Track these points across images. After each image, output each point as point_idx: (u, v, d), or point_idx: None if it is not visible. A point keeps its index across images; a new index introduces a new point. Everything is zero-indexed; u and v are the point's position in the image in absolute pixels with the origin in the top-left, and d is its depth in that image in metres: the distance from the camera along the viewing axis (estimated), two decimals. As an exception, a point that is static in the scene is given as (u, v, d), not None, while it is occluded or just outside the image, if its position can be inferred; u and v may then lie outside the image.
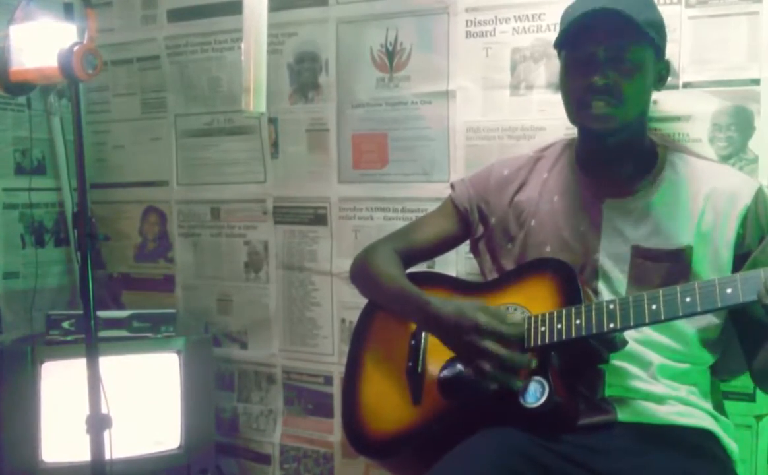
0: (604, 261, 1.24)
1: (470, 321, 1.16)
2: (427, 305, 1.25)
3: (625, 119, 1.18)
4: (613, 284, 1.23)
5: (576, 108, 1.22)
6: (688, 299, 1.04)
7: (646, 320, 1.08)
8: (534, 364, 1.13)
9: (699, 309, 1.04)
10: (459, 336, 1.18)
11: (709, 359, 1.26)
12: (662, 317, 1.06)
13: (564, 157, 1.36)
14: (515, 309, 1.24)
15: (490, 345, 1.14)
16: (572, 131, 1.43)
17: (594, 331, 1.11)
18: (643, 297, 1.08)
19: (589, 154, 1.30)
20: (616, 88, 1.17)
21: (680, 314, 1.05)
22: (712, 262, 1.20)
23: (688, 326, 1.21)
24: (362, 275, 1.45)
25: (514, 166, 1.40)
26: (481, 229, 1.41)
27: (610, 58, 1.17)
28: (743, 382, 1.40)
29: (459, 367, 1.24)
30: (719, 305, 1.03)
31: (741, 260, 1.19)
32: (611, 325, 1.10)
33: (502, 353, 1.13)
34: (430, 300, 1.26)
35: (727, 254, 1.20)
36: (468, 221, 1.42)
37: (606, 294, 1.23)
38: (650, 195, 1.24)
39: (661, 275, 1.19)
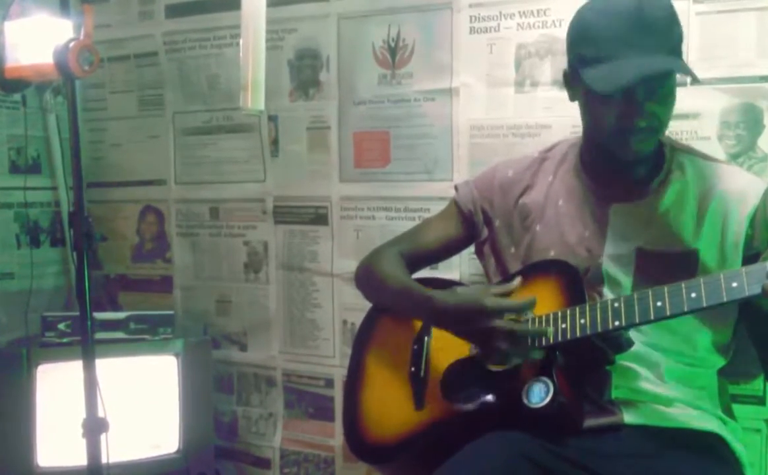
0: (609, 265, 1.23)
1: (477, 306, 1.17)
2: (431, 299, 1.26)
3: (657, 140, 1.20)
4: (618, 289, 1.22)
5: (613, 143, 1.19)
6: (693, 295, 1.04)
7: (652, 317, 1.07)
8: (550, 332, 1.13)
9: (704, 304, 1.03)
10: (469, 323, 1.18)
11: (719, 362, 1.24)
12: (667, 313, 1.05)
13: (569, 159, 1.34)
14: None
15: (502, 323, 1.15)
16: (578, 130, 1.41)
17: (599, 329, 1.10)
18: (648, 294, 1.07)
19: (596, 159, 1.28)
20: (656, 120, 1.16)
21: (686, 309, 1.04)
22: (720, 265, 1.19)
23: (699, 330, 1.19)
24: (367, 278, 1.44)
25: (519, 168, 1.38)
26: (485, 232, 1.40)
27: (648, 93, 1.14)
28: (752, 384, 1.39)
29: (462, 370, 1.23)
30: (725, 299, 1.02)
31: (750, 261, 1.16)
32: (616, 323, 1.09)
33: (515, 327, 1.14)
34: (433, 294, 1.26)
35: (735, 257, 1.19)
36: (472, 223, 1.41)
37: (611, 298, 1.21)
38: (658, 198, 1.23)
39: (668, 278, 1.16)
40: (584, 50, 1.17)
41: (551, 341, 1.14)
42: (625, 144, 1.17)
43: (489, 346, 1.17)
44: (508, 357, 1.16)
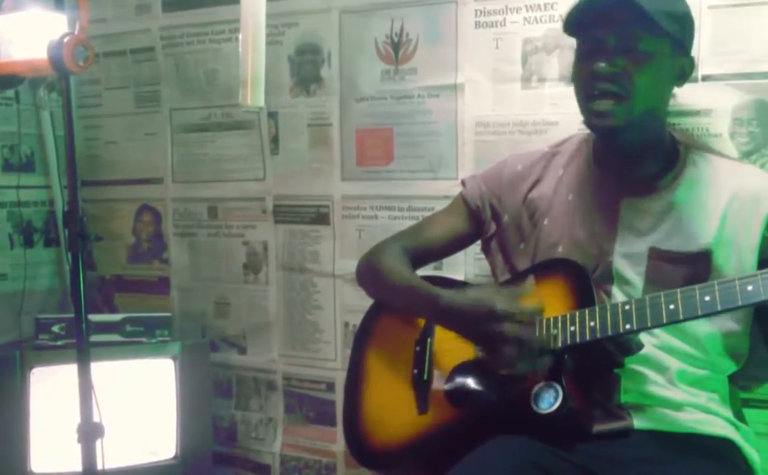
0: (619, 263, 1.21)
1: (487, 308, 1.14)
2: (439, 298, 1.24)
3: (630, 115, 1.15)
4: (628, 288, 1.20)
5: (582, 99, 1.19)
6: (707, 298, 1.02)
7: (664, 321, 1.05)
8: (559, 340, 1.11)
9: (719, 308, 1.01)
10: (477, 325, 1.15)
11: (731, 367, 1.23)
12: (681, 317, 1.04)
13: (581, 154, 1.33)
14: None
15: (512, 328, 1.12)
16: (585, 127, 1.39)
17: (609, 332, 1.08)
18: (660, 297, 1.05)
19: (606, 152, 1.27)
20: (625, 76, 1.13)
21: (699, 313, 1.03)
22: (735, 266, 1.16)
23: (710, 334, 1.18)
24: (369, 274, 1.42)
25: (528, 162, 1.37)
26: (493, 228, 1.39)
27: (620, 46, 1.13)
28: (765, 388, 1.37)
29: (467, 373, 1.22)
30: (740, 302, 1.00)
31: (765, 265, 1.14)
32: (627, 326, 1.07)
33: (524, 335, 1.11)
34: (441, 293, 1.24)
35: (751, 258, 1.17)
36: (480, 219, 1.40)
37: (620, 297, 1.19)
38: (670, 195, 1.21)
39: (680, 279, 1.15)
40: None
41: (559, 348, 1.11)
42: (590, 98, 1.16)
43: (497, 351, 1.14)
44: (515, 363, 1.13)
